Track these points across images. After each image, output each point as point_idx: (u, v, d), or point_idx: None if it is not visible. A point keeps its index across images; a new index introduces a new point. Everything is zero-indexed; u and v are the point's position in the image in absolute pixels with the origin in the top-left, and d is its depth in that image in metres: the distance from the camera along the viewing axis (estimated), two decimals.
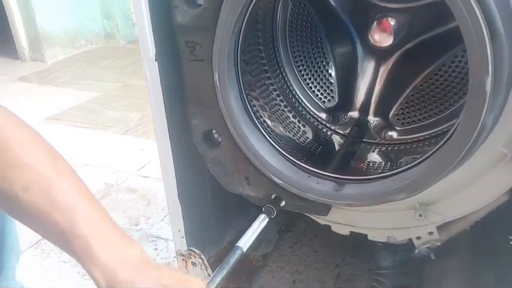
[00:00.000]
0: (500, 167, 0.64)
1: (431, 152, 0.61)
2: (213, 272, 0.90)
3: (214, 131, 0.77)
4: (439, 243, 0.73)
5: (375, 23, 0.79)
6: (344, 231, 0.80)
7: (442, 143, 0.59)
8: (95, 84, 2.66)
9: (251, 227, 0.69)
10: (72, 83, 2.71)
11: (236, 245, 0.65)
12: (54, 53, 3.17)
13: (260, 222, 0.70)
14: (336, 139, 0.90)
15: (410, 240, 0.74)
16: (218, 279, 0.61)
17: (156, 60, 0.71)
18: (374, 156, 0.84)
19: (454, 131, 0.56)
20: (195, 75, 0.72)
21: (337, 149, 0.87)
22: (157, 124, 0.78)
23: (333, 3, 0.85)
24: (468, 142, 0.54)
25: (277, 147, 0.75)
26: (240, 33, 0.68)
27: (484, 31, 0.49)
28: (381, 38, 0.79)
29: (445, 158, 0.57)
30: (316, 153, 0.85)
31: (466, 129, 0.54)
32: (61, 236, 0.51)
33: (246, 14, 0.65)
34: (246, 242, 0.66)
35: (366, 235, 0.78)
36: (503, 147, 0.62)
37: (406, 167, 0.62)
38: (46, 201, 0.51)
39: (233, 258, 0.63)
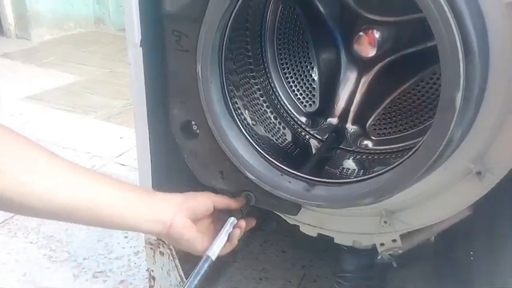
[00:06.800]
0: (465, 182, 0.66)
1: (401, 160, 0.63)
2: (180, 264, 0.91)
3: (193, 123, 0.77)
4: (401, 251, 0.75)
5: (360, 33, 0.81)
6: (312, 232, 0.81)
7: (411, 152, 0.61)
8: (80, 67, 2.62)
9: (220, 233, 0.69)
10: (57, 64, 2.67)
11: (206, 253, 0.67)
12: (41, 32, 3.12)
13: (231, 224, 0.71)
14: (314, 143, 0.91)
15: (375, 246, 0.76)
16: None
17: (140, 46, 0.71)
18: (349, 163, 0.86)
19: (423, 141, 0.58)
20: (179, 65, 0.72)
21: (313, 153, 0.89)
22: (137, 110, 0.78)
23: (321, 9, 0.87)
24: (434, 154, 0.56)
25: (254, 144, 0.76)
26: (226, 29, 0.68)
27: (459, 47, 0.51)
28: (365, 49, 0.81)
29: (412, 167, 0.59)
30: (292, 155, 0.86)
31: (434, 141, 0.56)
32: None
33: (233, 10, 0.66)
34: (215, 250, 0.68)
35: (333, 238, 0.80)
36: (470, 163, 0.64)
37: (374, 174, 0.64)
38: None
39: (203, 269, 0.65)
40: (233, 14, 0.67)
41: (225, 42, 0.70)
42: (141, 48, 0.71)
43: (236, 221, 0.72)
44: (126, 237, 1.28)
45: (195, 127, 0.77)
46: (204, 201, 0.70)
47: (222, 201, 0.73)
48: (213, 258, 0.67)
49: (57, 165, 0.57)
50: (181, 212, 0.66)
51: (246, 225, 0.72)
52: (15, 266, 1.16)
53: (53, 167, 0.56)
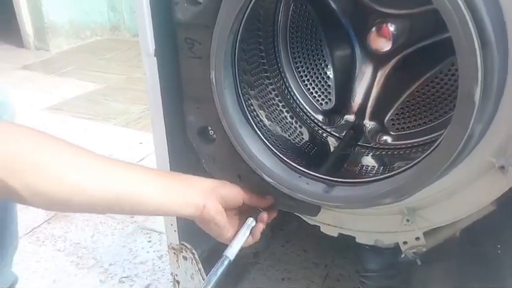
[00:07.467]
0: (488, 177, 0.65)
1: (420, 158, 0.62)
2: (203, 267, 0.92)
3: (209, 128, 0.78)
4: (425, 249, 0.74)
5: (374, 28, 0.79)
6: (333, 232, 0.80)
7: (431, 149, 0.59)
8: (99, 75, 2.67)
9: (240, 232, 0.70)
10: (76, 73, 2.73)
11: (224, 253, 0.67)
12: (59, 42, 3.19)
13: (248, 226, 0.72)
14: (331, 141, 0.91)
15: (397, 244, 0.75)
16: None
17: (155, 55, 0.72)
18: (368, 160, 0.85)
19: (443, 138, 0.56)
20: (193, 71, 0.73)
21: (331, 151, 0.88)
22: (154, 118, 0.79)
23: (333, 6, 0.86)
24: (455, 150, 0.54)
25: (271, 146, 0.76)
26: (238, 32, 0.68)
27: (475, 40, 0.50)
28: (380, 43, 0.80)
29: (433, 164, 0.57)
30: (310, 155, 0.86)
31: (454, 136, 0.54)
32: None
33: (244, 13, 0.66)
34: (233, 250, 0.68)
35: (354, 237, 0.79)
36: (492, 157, 0.63)
37: (394, 172, 0.63)
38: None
39: (220, 269, 0.66)
40: (245, 16, 0.67)
41: (237, 46, 0.70)
42: (155, 58, 0.72)
43: (255, 222, 0.73)
44: (149, 241, 1.30)
45: (211, 132, 0.78)
46: (236, 192, 0.72)
47: (251, 198, 0.74)
48: (231, 258, 0.67)
49: (90, 158, 0.58)
50: (213, 196, 0.68)
51: (268, 217, 0.73)
52: (44, 274, 1.19)
53: (87, 160, 0.57)
